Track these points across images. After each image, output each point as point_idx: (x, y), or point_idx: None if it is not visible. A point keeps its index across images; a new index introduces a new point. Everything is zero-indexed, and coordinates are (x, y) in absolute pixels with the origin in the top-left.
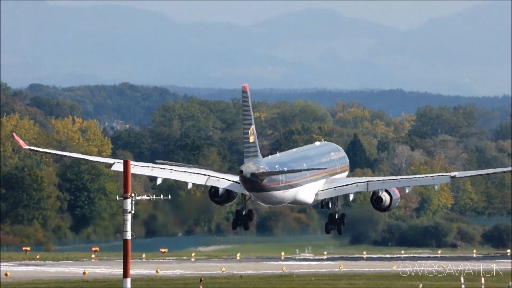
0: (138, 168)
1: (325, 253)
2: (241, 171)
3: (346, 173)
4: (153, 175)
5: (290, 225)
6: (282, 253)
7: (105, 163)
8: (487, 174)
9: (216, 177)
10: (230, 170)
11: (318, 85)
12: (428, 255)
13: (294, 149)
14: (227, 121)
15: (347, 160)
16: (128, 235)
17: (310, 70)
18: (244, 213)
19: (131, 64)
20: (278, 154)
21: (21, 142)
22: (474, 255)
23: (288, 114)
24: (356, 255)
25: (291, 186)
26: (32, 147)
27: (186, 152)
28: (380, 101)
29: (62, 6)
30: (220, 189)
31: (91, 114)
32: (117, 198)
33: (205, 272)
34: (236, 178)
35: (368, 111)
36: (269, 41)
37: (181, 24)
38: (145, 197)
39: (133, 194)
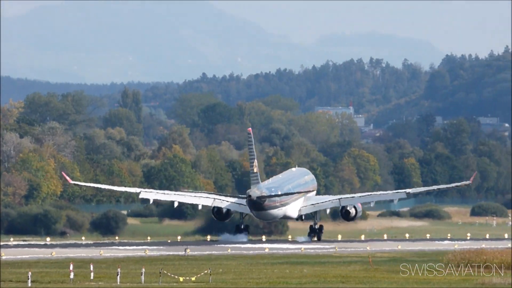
0: (160, 194)
1: None
2: (249, 195)
3: (315, 191)
4: (171, 199)
5: None
6: None
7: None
8: (438, 189)
9: (220, 199)
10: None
11: None
12: (37, 243)
13: (279, 175)
14: None
15: (315, 181)
16: None
17: None
18: (242, 227)
19: None
20: (270, 180)
21: (67, 178)
22: (83, 242)
23: None
24: None
25: (283, 205)
26: (77, 182)
27: None
28: None
29: None
30: (223, 208)
31: None
32: None
33: None
34: (235, 200)
35: None
36: None
37: None
38: None
39: None
